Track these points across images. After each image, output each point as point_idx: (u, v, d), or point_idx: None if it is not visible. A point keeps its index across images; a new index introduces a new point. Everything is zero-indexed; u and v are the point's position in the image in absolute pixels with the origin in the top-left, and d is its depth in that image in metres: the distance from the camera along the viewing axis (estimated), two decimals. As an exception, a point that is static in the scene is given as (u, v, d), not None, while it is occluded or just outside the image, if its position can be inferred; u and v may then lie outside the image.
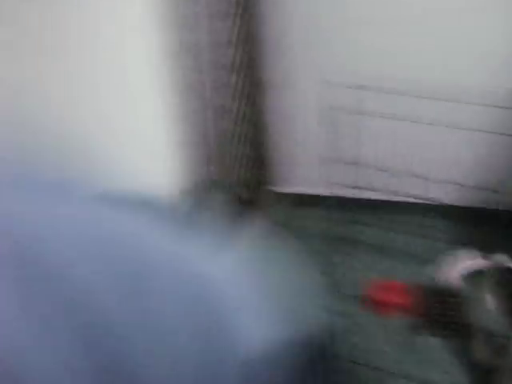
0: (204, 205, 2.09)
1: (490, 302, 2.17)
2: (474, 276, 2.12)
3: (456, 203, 3.06)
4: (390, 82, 2.67)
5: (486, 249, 2.42)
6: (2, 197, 0.41)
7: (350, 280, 2.61)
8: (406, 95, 2.62)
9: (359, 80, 2.64)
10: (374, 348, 2.29)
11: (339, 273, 2.39)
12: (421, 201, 3.02)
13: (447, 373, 2.17)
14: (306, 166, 3.19)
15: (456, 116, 2.66)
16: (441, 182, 2.78)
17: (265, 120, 3.14)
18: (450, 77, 2.68)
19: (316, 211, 3.10)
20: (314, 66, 2.92)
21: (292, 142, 3.19)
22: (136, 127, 1.80)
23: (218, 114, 2.49)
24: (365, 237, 2.82)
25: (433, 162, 2.97)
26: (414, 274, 2.62)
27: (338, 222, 2.23)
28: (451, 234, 2.91)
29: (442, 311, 2.49)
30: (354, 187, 2.75)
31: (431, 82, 2.65)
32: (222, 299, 0.47)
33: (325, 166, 2.72)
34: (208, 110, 2.35)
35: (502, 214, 2.87)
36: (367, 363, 2.23)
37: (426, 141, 2.93)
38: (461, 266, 2.21)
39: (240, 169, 2.90)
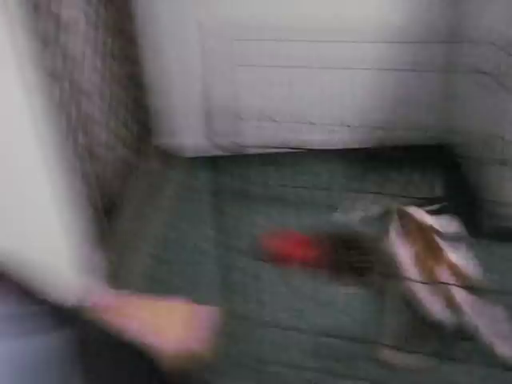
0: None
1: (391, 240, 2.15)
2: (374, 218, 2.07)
3: (346, 146, 3.03)
4: (272, 28, 2.56)
5: (382, 187, 2.39)
6: None
7: (247, 235, 2.52)
8: (287, 40, 2.52)
9: (238, 29, 2.52)
10: (280, 303, 2.23)
11: (235, 228, 2.29)
12: (310, 147, 3.00)
13: (356, 320, 2.15)
14: (191, 122, 3.03)
15: (338, 55, 2.59)
16: (328, 125, 2.72)
17: (146, 79, 2.96)
18: (331, 14, 2.60)
19: (206, 166, 2.99)
20: (190, 18, 2.77)
21: (175, 99, 3.03)
22: None
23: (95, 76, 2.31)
24: (257, 189, 2.73)
25: (318, 106, 2.92)
26: (312, 223, 2.56)
27: (229, 177, 2.11)
28: (345, 177, 2.89)
29: (344, 258, 2.46)
30: (243, 140, 2.67)
31: (312, 21, 2.55)
32: None
33: (211, 120, 2.61)
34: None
35: (393, 150, 2.87)
36: (274, 320, 2.16)
37: (309, 84, 2.86)
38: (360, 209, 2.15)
39: (126, 130, 2.71)
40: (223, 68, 2.61)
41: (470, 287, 1.78)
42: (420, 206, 2.12)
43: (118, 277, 2.38)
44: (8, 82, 1.68)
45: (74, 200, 2.04)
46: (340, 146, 3.03)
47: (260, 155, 2.99)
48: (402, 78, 2.81)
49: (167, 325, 1.31)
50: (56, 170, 1.94)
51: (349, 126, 2.76)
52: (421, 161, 2.48)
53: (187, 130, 3.11)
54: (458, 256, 1.86)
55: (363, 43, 2.48)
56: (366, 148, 3.04)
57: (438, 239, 1.91)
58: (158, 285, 2.40)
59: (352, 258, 2.43)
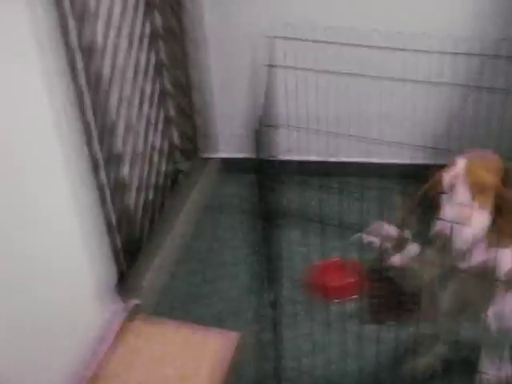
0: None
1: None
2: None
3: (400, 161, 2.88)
4: (326, 32, 2.39)
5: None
6: None
7: (287, 260, 2.31)
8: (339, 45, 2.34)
9: (291, 33, 2.36)
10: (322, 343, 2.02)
11: (275, 251, 2.12)
12: (359, 161, 2.88)
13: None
14: (238, 130, 2.88)
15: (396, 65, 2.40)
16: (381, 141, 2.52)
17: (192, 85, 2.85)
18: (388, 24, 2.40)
19: (249, 182, 2.82)
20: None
21: (221, 107, 2.92)
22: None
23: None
24: (303, 206, 2.52)
25: (370, 120, 2.75)
26: (359, 250, 2.32)
27: (274, 191, 1.92)
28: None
29: (385, 291, 2.24)
30: (288, 150, 2.53)
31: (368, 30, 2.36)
32: None
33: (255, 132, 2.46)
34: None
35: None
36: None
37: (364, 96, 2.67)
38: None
39: (172, 137, 2.64)
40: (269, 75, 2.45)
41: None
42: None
43: (150, 292, 2.25)
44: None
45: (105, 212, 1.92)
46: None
47: (304, 169, 2.86)
48: (466, 96, 2.61)
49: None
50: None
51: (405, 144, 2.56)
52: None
53: (233, 143, 2.99)
54: None
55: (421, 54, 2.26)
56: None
57: None
58: (194, 306, 2.27)
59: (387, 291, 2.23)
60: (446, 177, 1.46)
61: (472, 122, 2.63)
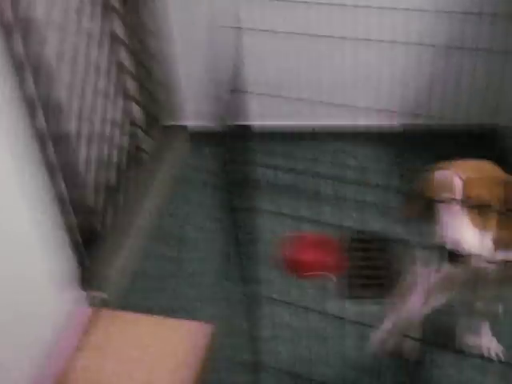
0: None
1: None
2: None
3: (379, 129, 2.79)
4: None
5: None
6: None
7: (259, 233, 2.21)
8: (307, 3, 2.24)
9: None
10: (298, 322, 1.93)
11: (245, 225, 2.00)
12: (328, 127, 2.74)
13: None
14: (203, 99, 2.66)
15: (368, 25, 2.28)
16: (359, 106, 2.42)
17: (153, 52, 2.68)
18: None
19: (217, 150, 2.70)
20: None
21: (184, 75, 2.75)
22: None
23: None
24: (273, 175, 2.39)
25: (343, 84, 2.62)
26: (335, 221, 2.21)
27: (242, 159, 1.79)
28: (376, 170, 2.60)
29: (365, 265, 2.17)
30: (258, 116, 2.36)
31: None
32: None
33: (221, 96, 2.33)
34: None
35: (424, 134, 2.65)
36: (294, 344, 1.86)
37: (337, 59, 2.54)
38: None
39: (136, 106, 2.48)
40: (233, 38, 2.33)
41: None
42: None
43: (115, 282, 2.11)
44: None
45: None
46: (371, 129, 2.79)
47: (274, 136, 2.75)
48: (443, 56, 2.51)
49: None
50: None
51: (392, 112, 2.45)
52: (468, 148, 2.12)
53: (197, 108, 2.83)
54: None
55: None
56: (401, 133, 2.79)
57: None
58: (162, 294, 2.14)
59: (367, 265, 2.15)
60: (439, 189, 1.33)
61: (442, 83, 2.54)
